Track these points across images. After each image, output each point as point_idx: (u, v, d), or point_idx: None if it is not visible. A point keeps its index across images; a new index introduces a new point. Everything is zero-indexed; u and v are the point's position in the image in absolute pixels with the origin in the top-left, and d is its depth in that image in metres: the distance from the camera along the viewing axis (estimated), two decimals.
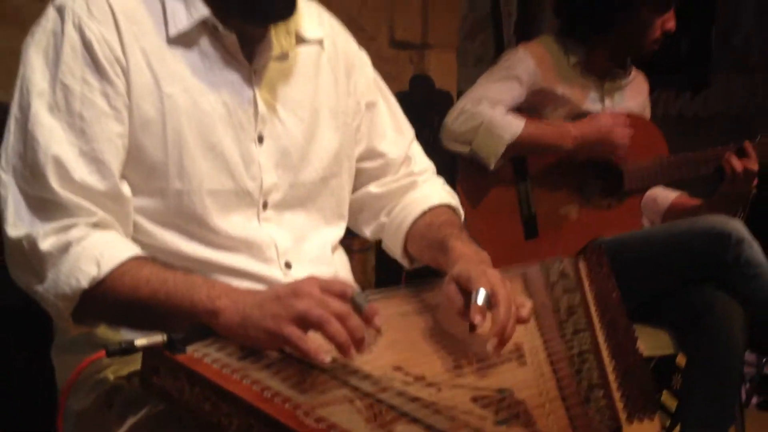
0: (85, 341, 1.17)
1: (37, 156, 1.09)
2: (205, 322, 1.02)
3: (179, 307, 1.03)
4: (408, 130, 1.44)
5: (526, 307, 1.11)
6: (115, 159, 1.12)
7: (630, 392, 1.04)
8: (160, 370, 1.00)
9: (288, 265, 1.24)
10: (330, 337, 0.96)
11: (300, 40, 1.27)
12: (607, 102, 2.28)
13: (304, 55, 1.28)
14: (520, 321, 1.09)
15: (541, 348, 1.17)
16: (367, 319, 1.01)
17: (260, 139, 1.22)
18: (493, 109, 2.13)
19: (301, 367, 0.99)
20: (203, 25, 1.18)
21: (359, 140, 1.38)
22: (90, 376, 1.18)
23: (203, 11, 1.16)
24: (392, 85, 1.49)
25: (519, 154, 2.15)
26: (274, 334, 0.97)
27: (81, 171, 1.10)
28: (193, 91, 1.16)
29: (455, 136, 2.15)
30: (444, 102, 2.78)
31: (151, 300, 1.04)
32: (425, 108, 2.62)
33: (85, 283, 1.05)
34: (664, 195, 2.33)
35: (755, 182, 2.09)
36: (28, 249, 1.08)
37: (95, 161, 1.10)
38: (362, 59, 1.40)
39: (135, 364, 1.08)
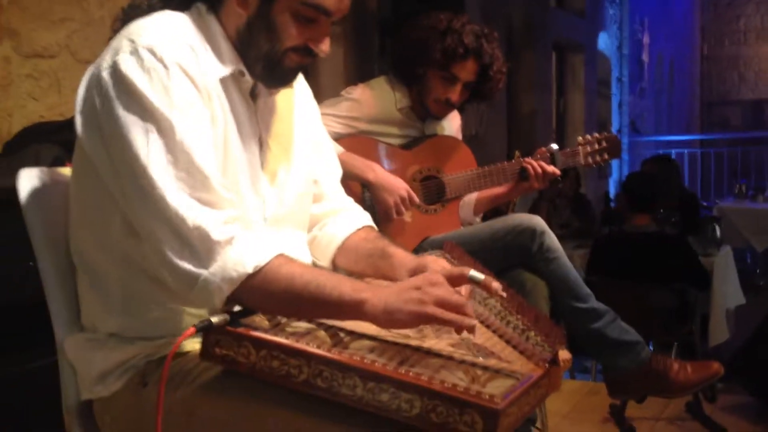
0: (114, 338, 1.40)
1: (194, 161, 1.28)
2: (350, 311, 1.26)
3: (328, 297, 1.26)
4: (339, 167, 1.74)
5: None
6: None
7: (545, 332, 1.45)
8: (221, 341, 1.25)
9: None
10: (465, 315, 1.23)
11: None
12: (426, 131, 2.73)
13: (284, 97, 1.56)
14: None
15: None
16: (487, 288, 1.34)
17: (262, 165, 1.49)
18: None
19: (330, 332, 1.30)
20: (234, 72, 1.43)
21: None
22: (118, 365, 1.38)
23: (237, 63, 1.42)
24: None
25: None
26: (419, 315, 1.22)
27: (217, 173, 1.31)
28: (232, 120, 1.42)
29: None
30: None
31: (305, 291, 1.26)
32: None
33: (250, 268, 1.25)
34: (468, 197, 2.83)
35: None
36: (198, 238, 1.26)
37: (215, 166, 1.33)
38: (314, 102, 1.69)
39: (165, 349, 1.33)
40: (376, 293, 1.26)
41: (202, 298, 1.29)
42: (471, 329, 1.24)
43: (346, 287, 1.27)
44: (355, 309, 1.26)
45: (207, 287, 1.27)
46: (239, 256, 1.27)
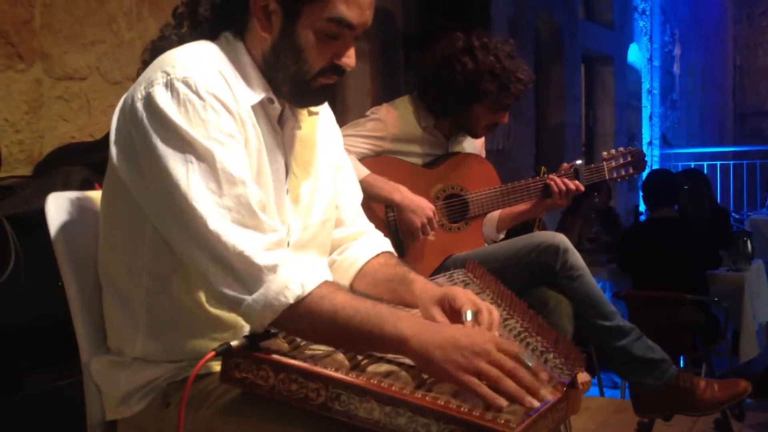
0: (138, 360, 1.42)
1: (235, 188, 1.30)
2: (391, 347, 1.27)
3: (370, 333, 1.27)
4: (360, 192, 1.74)
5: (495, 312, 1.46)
6: None
7: (565, 354, 1.45)
8: (241, 365, 1.27)
9: None
10: (504, 391, 1.20)
11: (309, 112, 1.57)
12: (450, 149, 2.75)
13: (309, 124, 1.58)
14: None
15: None
16: (535, 374, 1.26)
17: (287, 191, 1.50)
18: (349, 154, 2.54)
19: (348, 355, 1.32)
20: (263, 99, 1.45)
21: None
22: (142, 386, 1.41)
23: (265, 90, 1.44)
24: None
25: None
26: (454, 379, 1.22)
27: (258, 199, 1.33)
28: (262, 147, 1.44)
29: None
30: None
31: (347, 324, 1.27)
32: None
33: (291, 299, 1.28)
34: (491, 214, 2.84)
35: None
36: (241, 264, 1.28)
37: (256, 192, 1.34)
38: (338, 129, 1.71)
39: (187, 371, 1.35)
40: (418, 333, 1.26)
41: (245, 321, 1.32)
42: (498, 408, 1.20)
43: (388, 324, 1.27)
44: (395, 346, 1.27)
45: (249, 312, 1.29)
46: (282, 285, 1.28)
